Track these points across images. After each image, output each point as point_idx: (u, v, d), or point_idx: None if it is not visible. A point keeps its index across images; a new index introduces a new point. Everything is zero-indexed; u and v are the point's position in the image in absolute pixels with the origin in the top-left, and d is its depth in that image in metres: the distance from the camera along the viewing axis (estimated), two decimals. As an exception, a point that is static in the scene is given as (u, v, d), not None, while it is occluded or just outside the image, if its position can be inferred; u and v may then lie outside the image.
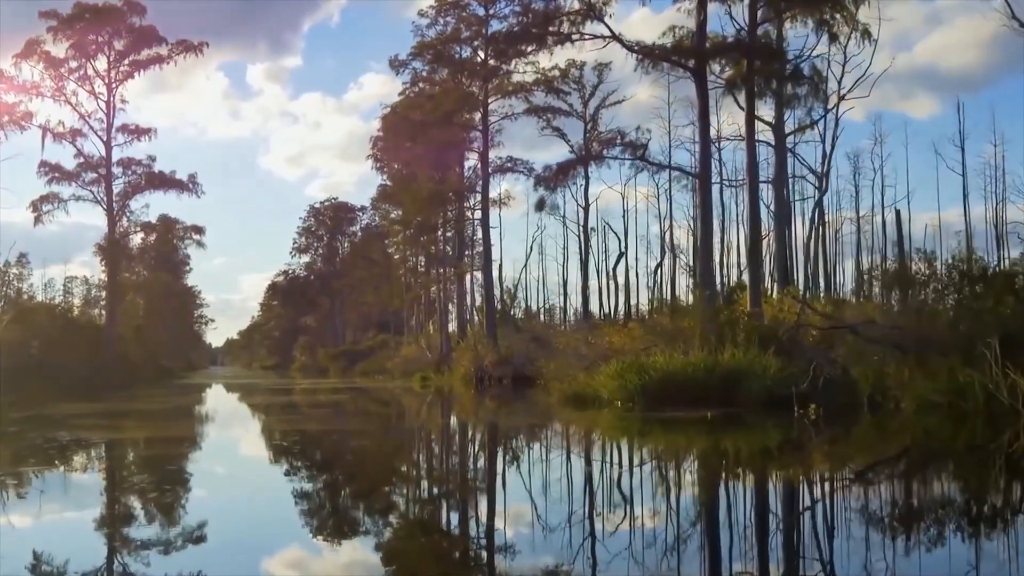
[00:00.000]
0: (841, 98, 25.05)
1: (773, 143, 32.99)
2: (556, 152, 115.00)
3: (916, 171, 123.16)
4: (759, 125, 37.00)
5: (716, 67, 26.46)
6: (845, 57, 24.99)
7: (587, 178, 50.46)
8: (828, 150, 25.61)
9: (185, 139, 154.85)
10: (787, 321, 24.32)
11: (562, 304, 60.02)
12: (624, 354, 26.79)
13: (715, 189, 52.58)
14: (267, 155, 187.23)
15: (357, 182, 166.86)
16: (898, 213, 40.75)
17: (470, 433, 19.04)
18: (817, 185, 42.07)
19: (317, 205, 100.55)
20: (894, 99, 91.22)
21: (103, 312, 71.97)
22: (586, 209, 51.38)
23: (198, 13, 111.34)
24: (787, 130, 32.92)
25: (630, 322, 31.91)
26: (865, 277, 41.43)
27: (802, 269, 40.93)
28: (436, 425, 21.58)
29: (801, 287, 37.22)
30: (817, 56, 28.03)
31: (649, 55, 25.90)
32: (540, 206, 27.91)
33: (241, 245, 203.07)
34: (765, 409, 19.18)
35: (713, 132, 42.03)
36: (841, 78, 25.15)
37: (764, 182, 40.03)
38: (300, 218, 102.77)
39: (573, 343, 33.14)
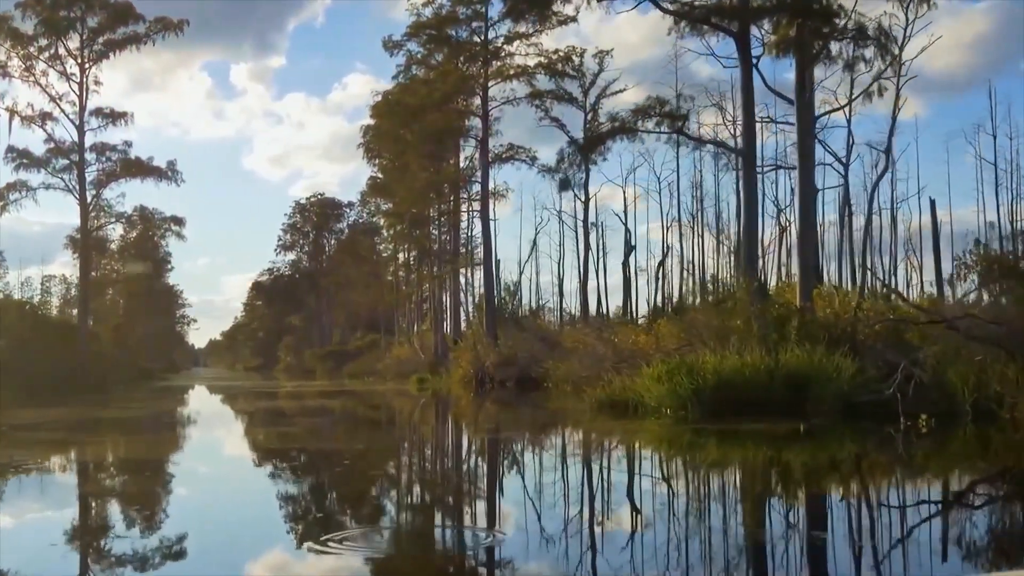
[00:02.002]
0: (900, 65, 21.96)
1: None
2: (552, 149, 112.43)
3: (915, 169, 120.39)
4: (780, 108, 34.30)
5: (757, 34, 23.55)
6: (907, 20, 21.89)
7: (587, 171, 47.28)
8: (890, 124, 22.62)
9: (168, 139, 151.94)
10: (843, 316, 21.43)
11: (558, 303, 56.52)
12: (651, 355, 23.92)
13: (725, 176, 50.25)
14: (250, 155, 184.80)
15: (341, 183, 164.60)
16: (932, 203, 37.92)
17: (510, 454, 14.48)
18: (843, 173, 39.33)
19: (303, 201, 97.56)
20: (878, 101, 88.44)
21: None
22: (586, 203, 48.12)
23: (182, 12, 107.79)
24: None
25: (657, 319, 28.83)
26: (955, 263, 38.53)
27: (834, 262, 38.14)
28: (457, 442, 17.99)
29: (835, 281, 34.39)
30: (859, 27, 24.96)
31: (686, 16, 22.95)
32: (565, 186, 24.68)
33: (224, 246, 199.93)
34: (844, 419, 16.26)
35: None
36: (903, 42, 22.08)
37: (790, 168, 37.35)
38: (285, 214, 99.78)
39: (588, 343, 30.14)
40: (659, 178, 64.86)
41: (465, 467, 13.23)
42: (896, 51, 21.27)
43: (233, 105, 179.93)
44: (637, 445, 15.46)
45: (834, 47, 22.04)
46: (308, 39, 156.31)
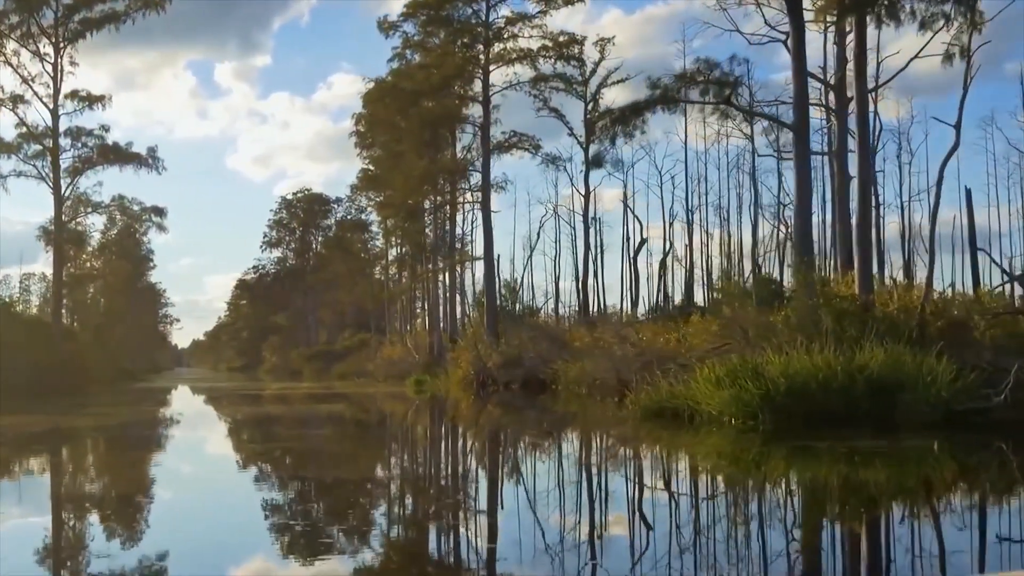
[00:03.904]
0: (981, 24, 19.34)
1: (833, 107, 27.76)
2: (548, 145, 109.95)
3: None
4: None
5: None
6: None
7: (587, 163, 44.97)
8: (962, 94, 20.07)
9: (152, 138, 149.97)
10: (911, 311, 18.92)
11: (554, 301, 53.64)
12: (682, 356, 21.44)
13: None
14: (234, 155, 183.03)
15: (325, 183, 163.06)
16: (968, 193, 35.31)
17: (583, 488, 10.67)
18: (871, 161, 36.87)
19: (289, 197, 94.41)
20: (888, 90, 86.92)
21: (63, 311, 65.61)
22: (586, 197, 45.58)
23: (167, 10, 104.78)
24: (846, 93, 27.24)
25: (692, 316, 26.26)
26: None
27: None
28: (503, 466, 13.51)
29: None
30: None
31: (732, -27, 20.43)
32: (597, 162, 21.97)
33: (207, 246, 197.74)
34: (947, 431, 13.64)
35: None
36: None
37: (823, 153, 35.00)
38: (271, 210, 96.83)
39: (607, 341, 27.57)
40: (660, 172, 62.15)
41: (547, 513, 9.04)
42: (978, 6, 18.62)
43: (217, 104, 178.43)
44: (732, 473, 11.83)
45: (906, 4, 19.36)
46: (293, 38, 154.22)
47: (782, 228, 44.37)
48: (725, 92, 21.20)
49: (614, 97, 46.16)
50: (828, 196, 39.59)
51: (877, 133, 37.35)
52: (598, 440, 16.41)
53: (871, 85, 31.86)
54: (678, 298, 47.49)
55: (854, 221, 20.75)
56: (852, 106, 28.96)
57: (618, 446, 15.26)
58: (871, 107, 35.53)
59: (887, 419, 14.32)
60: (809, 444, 12.86)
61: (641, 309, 46.87)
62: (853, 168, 23.27)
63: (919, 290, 20.89)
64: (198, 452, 16.32)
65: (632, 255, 47.26)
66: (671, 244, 48.69)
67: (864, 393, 14.70)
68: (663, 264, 48.15)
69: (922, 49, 25.55)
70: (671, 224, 48.93)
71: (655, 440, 15.22)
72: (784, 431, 14.00)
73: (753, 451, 13.16)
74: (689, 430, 15.28)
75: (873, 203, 38.52)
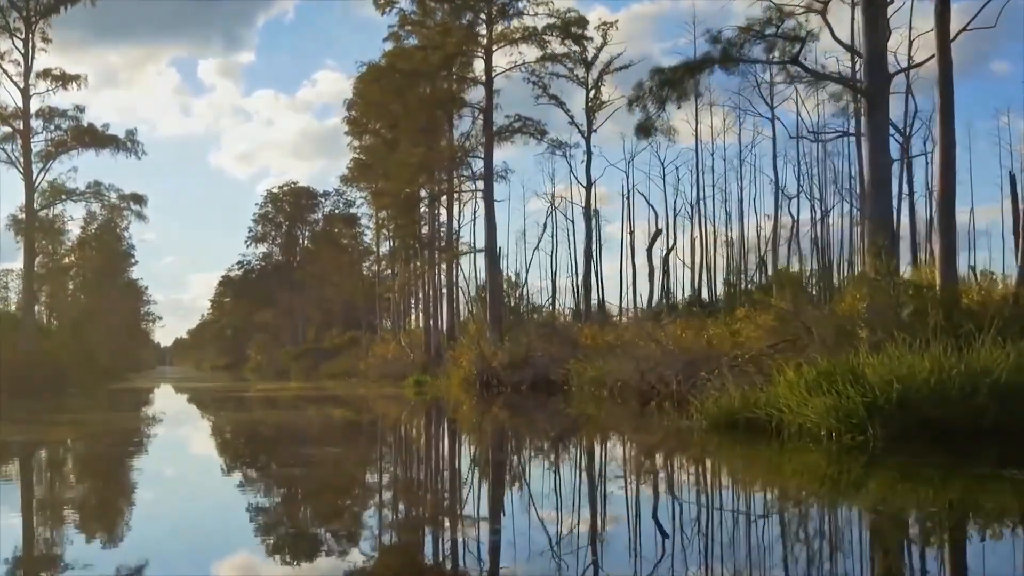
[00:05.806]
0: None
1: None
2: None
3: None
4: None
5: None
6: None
7: (589, 153, 43.10)
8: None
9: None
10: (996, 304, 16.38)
11: (550, 298, 51.14)
12: (719, 356, 19.01)
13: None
14: (218, 152, 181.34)
15: (309, 181, 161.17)
16: (1013, 179, 32.90)
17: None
18: (901, 144, 34.63)
19: (275, 190, 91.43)
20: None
21: (40, 307, 62.66)
22: (588, 188, 43.32)
23: (150, 6, 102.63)
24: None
25: (739, 310, 23.67)
26: None
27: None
28: (572, 497, 9.98)
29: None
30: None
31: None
32: (645, 130, 19.32)
33: (190, 244, 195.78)
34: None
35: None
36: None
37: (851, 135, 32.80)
38: (257, 204, 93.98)
39: (641, 337, 24.97)
40: (663, 163, 59.53)
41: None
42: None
43: (201, 101, 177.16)
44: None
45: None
46: (278, 35, 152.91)
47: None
48: (794, 49, 18.51)
49: (615, 86, 44.16)
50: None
51: (913, 115, 35.15)
52: (673, 463, 13.22)
53: (903, 65, 29.48)
54: (678, 295, 45.93)
55: (935, 200, 18.11)
56: (897, 82, 26.34)
57: (703, 471, 12.39)
58: (907, 86, 33.26)
59: (1017, 436, 11.65)
60: (991, 472, 9.97)
61: (642, 305, 44.68)
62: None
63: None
64: (192, 492, 13.20)
65: (647, 247, 44.96)
66: (675, 238, 46.73)
67: (990, 403, 12.02)
68: (666, 259, 46.13)
69: (981, 10, 23.17)
70: (675, 217, 47.05)
71: (745, 461, 12.44)
72: (904, 450, 11.32)
73: (926, 485, 10.02)
74: (775, 445, 12.48)
75: (906, 190, 36.22)
